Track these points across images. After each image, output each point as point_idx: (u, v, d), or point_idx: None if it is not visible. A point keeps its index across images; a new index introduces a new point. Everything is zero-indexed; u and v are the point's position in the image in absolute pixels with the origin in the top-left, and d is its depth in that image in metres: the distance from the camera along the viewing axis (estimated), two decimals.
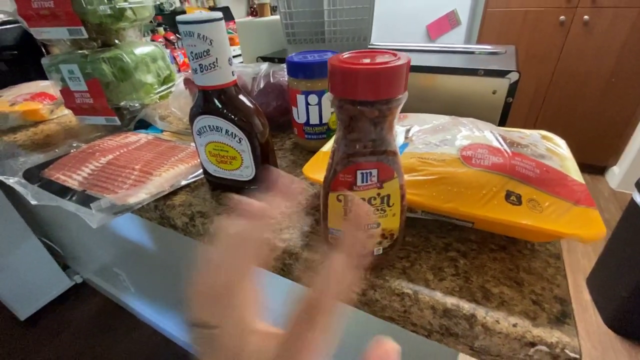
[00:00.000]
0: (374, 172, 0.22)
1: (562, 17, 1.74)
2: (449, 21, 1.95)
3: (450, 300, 0.24)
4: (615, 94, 1.79)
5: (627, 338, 1.19)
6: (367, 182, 0.23)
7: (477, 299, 0.24)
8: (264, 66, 0.54)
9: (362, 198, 0.23)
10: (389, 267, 0.27)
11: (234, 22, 1.61)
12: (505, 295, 0.24)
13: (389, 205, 0.24)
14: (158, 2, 2.25)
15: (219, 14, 0.30)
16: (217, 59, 0.30)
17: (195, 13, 0.29)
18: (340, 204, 0.24)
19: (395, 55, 0.20)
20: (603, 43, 1.71)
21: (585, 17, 1.69)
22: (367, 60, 0.19)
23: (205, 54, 0.30)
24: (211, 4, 2.67)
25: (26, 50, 0.80)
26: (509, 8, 1.83)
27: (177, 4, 2.44)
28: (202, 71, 0.31)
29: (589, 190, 0.27)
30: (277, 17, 0.67)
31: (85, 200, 0.38)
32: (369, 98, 0.19)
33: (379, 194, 0.23)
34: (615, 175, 1.93)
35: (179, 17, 0.29)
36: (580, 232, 0.23)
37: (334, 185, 0.24)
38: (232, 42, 1.98)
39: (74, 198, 0.40)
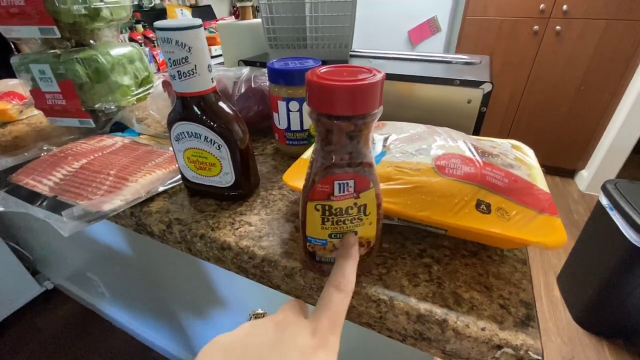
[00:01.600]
0: (351, 182, 0.23)
1: (535, 27, 1.82)
2: (430, 27, 2.00)
3: (424, 306, 0.25)
4: (584, 101, 1.89)
5: (595, 334, 1.26)
6: (344, 192, 0.23)
7: (449, 304, 0.25)
8: (246, 70, 0.54)
9: (339, 207, 0.24)
10: (366, 273, 0.28)
11: (216, 21, 1.58)
12: (475, 300, 0.25)
13: (365, 214, 0.25)
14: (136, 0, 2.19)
15: (199, 21, 0.30)
16: (196, 65, 0.30)
17: (173, 20, 0.29)
18: (318, 213, 0.25)
19: (370, 71, 0.20)
20: (573, 52, 1.80)
21: (557, 27, 1.77)
22: (344, 76, 0.20)
23: (183, 60, 0.29)
24: (192, 2, 2.62)
25: None
26: (486, 17, 1.89)
27: (157, 1, 2.38)
28: (180, 78, 0.30)
29: (555, 195, 0.28)
30: (259, 20, 0.67)
31: (57, 206, 0.37)
32: (345, 113, 0.19)
33: (355, 204, 0.24)
34: (584, 179, 2.04)
35: (156, 23, 0.29)
36: (544, 240, 0.24)
37: (312, 195, 0.24)
38: (213, 41, 1.96)
39: (44, 204, 0.38)
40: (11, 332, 1.36)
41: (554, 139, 2.04)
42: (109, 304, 1.34)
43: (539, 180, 0.31)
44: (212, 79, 0.32)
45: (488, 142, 0.37)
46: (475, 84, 0.46)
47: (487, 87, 0.45)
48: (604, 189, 1.19)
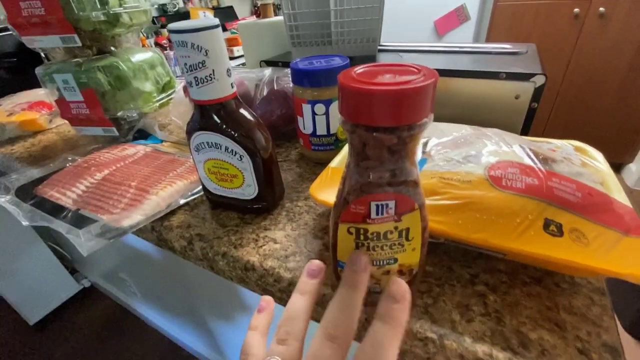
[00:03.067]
0: (391, 203, 0.19)
1: (576, 10, 1.67)
2: (458, 16, 1.90)
3: (482, 348, 0.21)
4: (632, 88, 1.72)
5: None
6: (382, 214, 0.20)
7: (512, 347, 0.21)
8: (268, 72, 0.51)
9: (376, 232, 0.20)
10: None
11: (238, 22, 1.58)
12: (545, 342, 0.21)
13: (407, 240, 0.21)
14: (161, 3, 2.23)
15: (216, 21, 0.27)
16: (214, 70, 0.27)
17: (188, 21, 0.26)
18: (351, 237, 0.21)
19: (418, 70, 0.16)
20: (620, 36, 1.64)
21: (601, 9, 1.62)
22: (386, 78, 0.16)
23: (200, 65, 0.27)
24: (215, 3, 2.64)
25: (26, 57, 0.78)
26: (520, 2, 1.76)
27: (181, 4, 2.42)
28: (197, 84, 0.28)
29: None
30: (281, 18, 0.64)
31: (78, 220, 0.36)
32: (387, 124, 0.16)
33: (396, 228, 0.20)
34: (632, 173, 1.86)
35: (170, 26, 0.26)
36: (637, 272, 0.19)
37: (345, 216, 0.20)
38: (236, 42, 1.96)
39: (67, 217, 0.37)
40: (52, 328, 1.43)
41: (597, 130, 1.88)
42: (141, 303, 1.37)
43: (616, 191, 0.26)
44: (231, 84, 0.29)
45: (546, 145, 0.32)
46: (525, 76, 0.40)
47: (539, 80, 0.39)
48: None
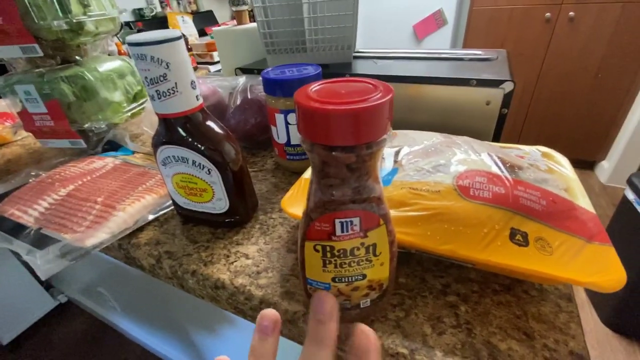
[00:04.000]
0: (356, 220, 0.19)
1: (547, 14, 1.73)
2: (436, 21, 1.94)
3: None
4: (602, 89, 1.79)
5: (625, 336, 1.18)
6: (348, 231, 0.19)
7: (482, 359, 0.21)
8: (242, 79, 0.50)
9: (342, 249, 0.20)
10: (381, 318, 0.24)
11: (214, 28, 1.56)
12: (514, 352, 0.21)
13: (375, 255, 0.20)
14: (137, 8, 2.18)
15: (177, 33, 0.26)
16: (176, 83, 0.26)
17: (148, 33, 0.25)
18: (318, 254, 0.21)
19: (374, 87, 0.16)
20: (589, 39, 1.71)
21: (571, 13, 1.68)
22: (342, 96, 0.16)
23: (161, 79, 0.26)
24: (194, 8, 2.60)
25: None
26: (495, 6, 1.81)
27: (159, 9, 2.37)
28: (160, 98, 0.27)
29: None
30: (256, 24, 0.63)
31: (40, 240, 0.34)
32: (345, 143, 0.15)
33: (362, 244, 0.20)
34: (605, 170, 1.94)
35: (128, 38, 0.25)
36: (598, 280, 0.20)
37: (310, 234, 0.20)
38: (214, 47, 1.93)
39: (28, 237, 0.35)
40: (27, 347, 1.36)
41: (571, 130, 1.95)
42: (120, 317, 1.33)
43: (580, 196, 0.26)
44: (197, 96, 0.28)
45: (514, 151, 0.32)
46: (495, 83, 0.41)
47: (508, 87, 0.40)
48: (630, 183, 1.11)
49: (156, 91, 0.26)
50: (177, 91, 0.27)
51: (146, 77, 0.26)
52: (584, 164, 2.06)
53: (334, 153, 0.16)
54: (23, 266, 1.35)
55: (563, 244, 0.22)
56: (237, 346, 0.84)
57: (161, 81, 0.26)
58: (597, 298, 1.28)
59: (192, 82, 0.28)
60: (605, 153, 1.96)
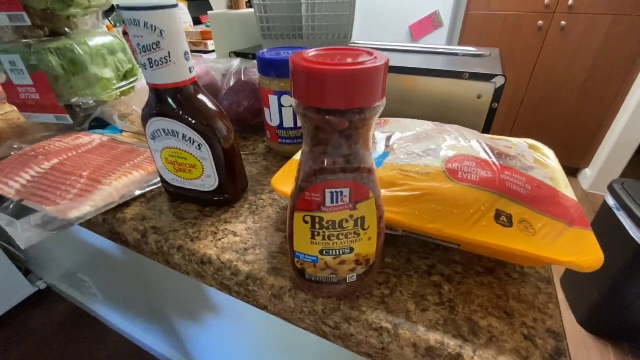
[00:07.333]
0: (346, 191, 0.19)
1: (540, 22, 1.77)
2: (432, 22, 1.95)
3: (434, 337, 0.21)
4: (588, 98, 1.84)
5: (599, 337, 1.22)
6: (337, 202, 0.19)
7: (463, 334, 0.21)
8: (236, 62, 0.50)
9: (331, 220, 0.20)
10: (366, 295, 0.24)
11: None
12: (494, 328, 0.21)
13: (363, 229, 0.21)
14: None
15: (173, 0, 0.25)
16: (169, 52, 0.26)
17: None
18: (307, 226, 0.21)
19: (371, 54, 0.16)
20: (578, 49, 1.75)
21: (562, 22, 1.72)
22: (338, 60, 0.16)
23: (154, 46, 0.25)
24: None
25: None
26: (490, 11, 1.84)
27: None
28: (152, 67, 0.26)
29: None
30: (252, 10, 0.62)
31: (21, 212, 0.33)
32: (339, 106, 0.15)
33: (351, 216, 0.20)
34: (587, 177, 2.00)
35: (122, 2, 0.24)
36: (578, 260, 0.20)
37: (300, 205, 0.20)
38: (210, 36, 1.90)
39: (9, 209, 0.34)
40: (3, 333, 1.33)
41: (557, 136, 2.00)
42: (101, 305, 1.30)
43: (563, 185, 0.27)
44: (190, 68, 0.28)
45: (503, 142, 0.33)
46: (486, 77, 0.41)
47: (499, 81, 0.41)
48: (610, 189, 1.15)
49: (148, 59, 0.26)
50: (170, 61, 0.26)
51: (139, 44, 0.25)
52: (568, 170, 2.12)
53: (327, 117, 0.16)
54: (1, 250, 1.31)
55: (545, 226, 0.22)
56: (219, 335, 0.83)
57: (154, 49, 0.25)
58: (573, 300, 1.32)
59: (186, 53, 0.27)
60: (588, 161, 2.01)
